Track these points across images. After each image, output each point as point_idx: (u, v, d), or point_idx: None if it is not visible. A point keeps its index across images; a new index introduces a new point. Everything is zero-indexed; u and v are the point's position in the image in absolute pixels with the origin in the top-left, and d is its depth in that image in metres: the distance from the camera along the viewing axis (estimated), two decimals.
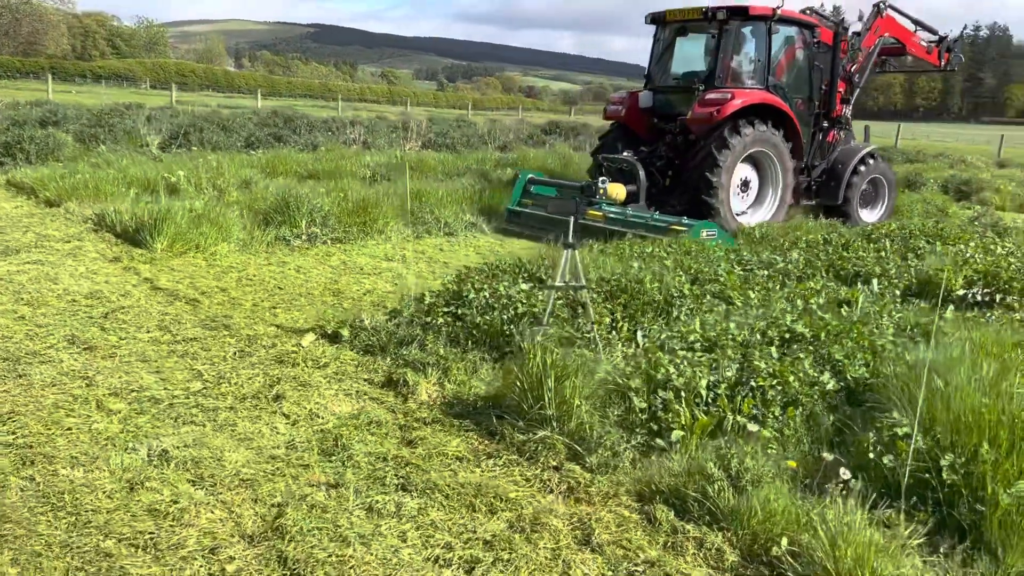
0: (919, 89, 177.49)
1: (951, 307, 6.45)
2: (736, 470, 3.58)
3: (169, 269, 7.70)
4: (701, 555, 3.31)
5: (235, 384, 4.92)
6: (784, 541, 3.22)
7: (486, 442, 4.28)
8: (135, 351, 5.39)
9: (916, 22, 13.18)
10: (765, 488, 3.48)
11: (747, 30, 11.22)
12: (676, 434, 3.98)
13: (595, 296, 5.79)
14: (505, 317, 5.49)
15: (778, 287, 6.66)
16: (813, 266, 7.40)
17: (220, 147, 15.63)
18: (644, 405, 4.19)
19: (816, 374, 4.46)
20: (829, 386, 4.41)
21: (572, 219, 5.08)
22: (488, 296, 5.80)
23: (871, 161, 12.39)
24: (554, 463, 4.02)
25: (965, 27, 13.73)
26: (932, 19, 12.03)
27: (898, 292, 6.97)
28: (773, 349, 4.76)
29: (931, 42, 13.22)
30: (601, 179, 9.89)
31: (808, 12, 12.26)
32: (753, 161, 10.98)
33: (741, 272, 7.00)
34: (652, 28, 12.03)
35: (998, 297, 6.78)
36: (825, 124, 12.03)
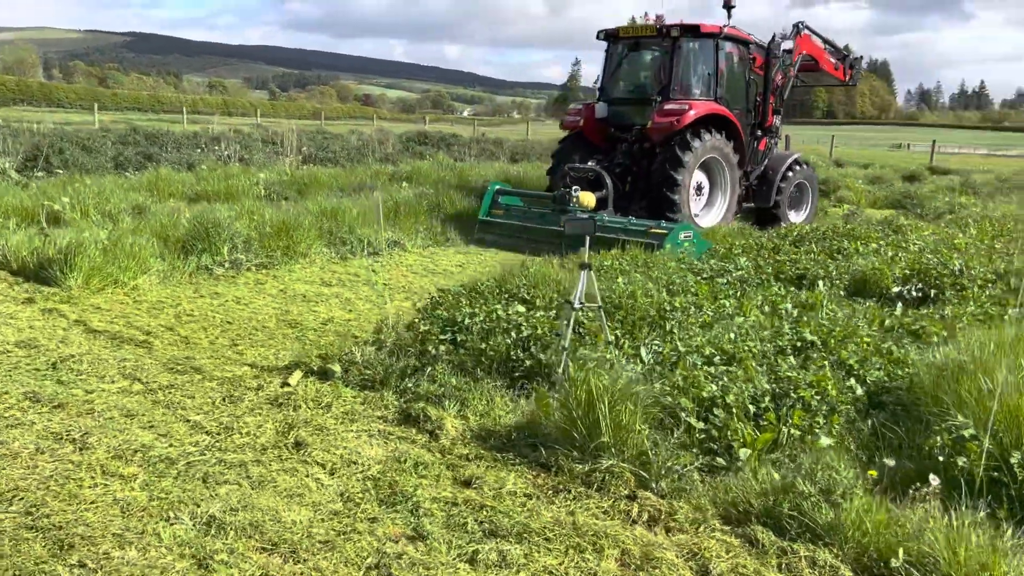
0: None
1: (899, 304, 6.86)
2: (826, 484, 3.63)
3: (95, 309, 7.03)
4: (816, 574, 3.33)
5: (246, 434, 4.54)
6: (901, 552, 3.29)
7: (543, 475, 4.15)
8: (112, 404, 4.86)
9: (826, 41, 14.25)
10: (855, 500, 3.55)
11: (697, 46, 12.00)
12: (743, 452, 4.00)
13: (591, 314, 5.75)
14: (509, 341, 5.36)
15: (738, 294, 6.85)
16: (763, 271, 7.67)
17: (87, 169, 14.45)
18: (700, 425, 4.19)
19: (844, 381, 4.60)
20: (858, 392, 4.56)
21: (588, 238, 5.01)
22: (483, 320, 5.64)
23: (797, 167, 13.38)
24: (625, 492, 3.94)
25: (861, 58, 14.84)
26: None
27: (842, 292, 7.35)
28: (792, 358, 4.88)
29: (837, 59, 14.36)
30: (574, 188, 10.48)
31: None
32: (705, 167, 11.70)
33: (701, 281, 7.16)
34: (590, 43, 12.77)
35: (932, 292, 7.26)
36: (759, 133, 12.94)
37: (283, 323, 6.86)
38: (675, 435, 4.18)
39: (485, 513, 3.72)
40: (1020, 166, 32.57)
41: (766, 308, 6.35)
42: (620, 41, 12.45)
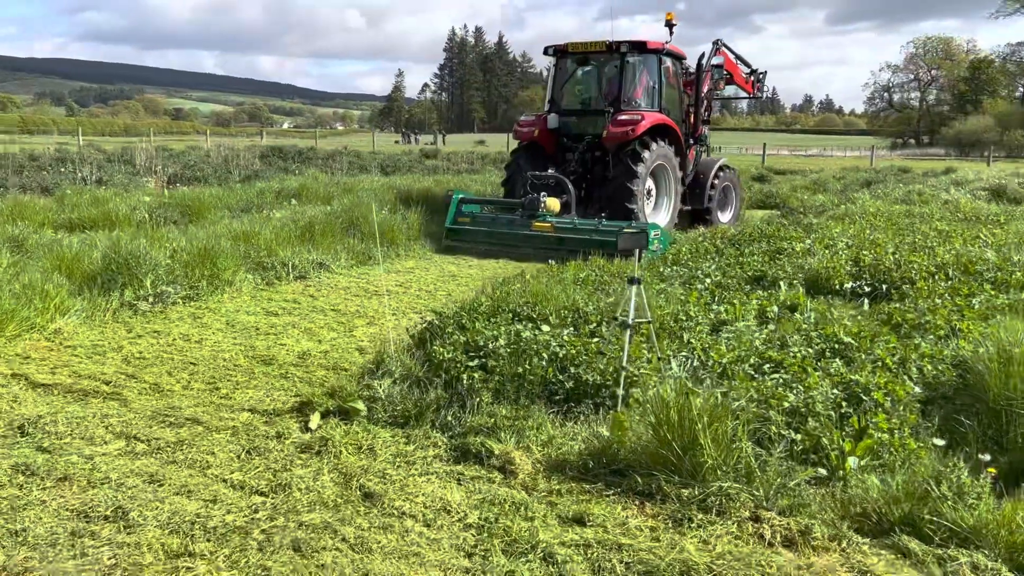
0: None
1: (866, 300, 7.15)
2: (956, 486, 3.64)
3: (23, 359, 6.14)
4: None
5: (305, 490, 4.04)
6: None
7: (649, 504, 3.93)
8: (125, 470, 4.21)
9: (738, 57, 15.23)
10: (983, 500, 3.59)
11: (643, 61, 12.98)
12: (851, 460, 3.97)
13: (616, 329, 5.59)
14: (543, 363, 5.10)
15: (723, 299, 6.91)
16: (729, 275, 7.78)
17: None
18: (797, 436, 4.12)
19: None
20: (915, 390, 4.66)
21: (638, 252, 4.84)
22: (507, 342, 5.35)
23: (723, 172, 14.62)
24: (747, 514, 3.80)
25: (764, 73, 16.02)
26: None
27: (803, 290, 7.58)
28: (838, 361, 4.93)
29: (747, 74, 15.42)
30: (542, 194, 11.30)
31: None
32: (653, 174, 12.57)
33: (681, 286, 7.16)
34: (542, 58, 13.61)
35: (883, 287, 7.62)
36: (691, 141, 13.98)
37: (255, 360, 6.24)
38: (777, 449, 4.08)
39: (627, 553, 3.47)
40: (842, 165, 35.38)
41: (752, 312, 6.41)
42: (568, 56, 13.17)
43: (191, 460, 4.38)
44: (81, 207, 12.14)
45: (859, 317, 6.26)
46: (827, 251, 8.75)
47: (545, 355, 5.17)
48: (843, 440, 4.08)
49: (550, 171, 12.20)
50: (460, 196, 12.43)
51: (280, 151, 25.33)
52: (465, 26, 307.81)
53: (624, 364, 4.71)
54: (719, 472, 3.98)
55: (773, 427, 4.19)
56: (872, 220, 11.83)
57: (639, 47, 12.60)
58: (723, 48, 14.61)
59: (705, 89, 14.03)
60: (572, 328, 5.66)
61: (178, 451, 4.50)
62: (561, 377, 5.01)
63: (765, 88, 16.09)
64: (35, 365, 6.01)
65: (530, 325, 5.66)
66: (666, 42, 13.11)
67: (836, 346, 5.23)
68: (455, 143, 66.33)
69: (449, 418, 4.84)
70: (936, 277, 7.55)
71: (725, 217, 14.89)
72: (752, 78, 15.52)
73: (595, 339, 5.34)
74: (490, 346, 5.30)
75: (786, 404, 4.30)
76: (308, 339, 6.83)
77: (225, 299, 8.26)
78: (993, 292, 6.84)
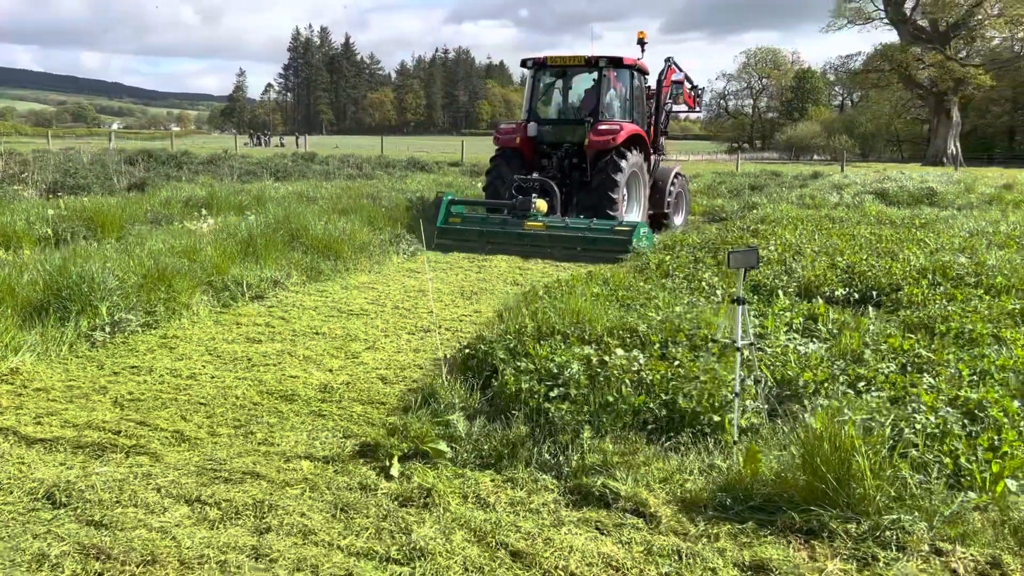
0: (408, 106, 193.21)
1: (871, 308, 7.25)
2: None
3: None
4: None
5: (446, 554, 3.54)
6: None
7: (818, 543, 3.69)
8: (219, 546, 3.57)
9: (685, 75, 16.06)
10: None
11: (618, 76, 13.85)
12: (1010, 483, 3.88)
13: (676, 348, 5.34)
14: (628, 391, 4.79)
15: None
16: (730, 284, 7.70)
17: None
18: (949, 460, 4.01)
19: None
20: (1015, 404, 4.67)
21: (744, 270, 4.58)
22: (585, 369, 4.99)
23: (676, 179, 15.34)
24: (925, 547, 3.63)
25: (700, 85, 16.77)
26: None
27: (798, 298, 7.61)
28: (927, 377, 4.89)
29: (689, 89, 16.19)
30: (533, 196, 12.20)
31: None
32: (626, 180, 13.22)
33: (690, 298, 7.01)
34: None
35: (872, 294, 7.77)
36: (651, 150, 14.65)
37: (272, 397, 5.57)
38: (933, 474, 3.95)
39: None
40: (712, 168, 36.79)
41: (783, 325, 6.34)
42: (547, 68, 13.94)
43: (285, 526, 3.77)
44: None
45: (886, 326, 6.28)
46: (801, 258, 8.86)
47: (628, 381, 4.85)
48: (988, 461, 3.99)
49: (535, 175, 13.01)
50: (450, 197, 13.11)
51: (150, 155, 23.50)
52: (310, 25, 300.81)
53: (738, 390, 4.46)
54: (879, 503, 3.79)
55: (914, 451, 4.06)
56: (803, 225, 12.19)
57: (616, 62, 13.49)
58: (673, 66, 15.49)
59: (665, 103, 15.18)
60: (638, 350, 5.35)
61: (261, 515, 3.87)
62: (653, 405, 4.70)
63: (702, 101, 16.92)
64: (13, 415, 5.11)
65: (595, 348, 5.31)
66: (638, 58, 14.11)
67: (915, 360, 5.19)
68: (310, 146, 64.10)
69: (546, 456, 4.44)
70: (920, 283, 7.75)
71: (679, 219, 15.66)
72: (693, 93, 16.24)
73: (676, 362, 5.07)
74: (566, 373, 4.92)
75: (917, 425, 4.18)
76: (316, 369, 6.19)
77: (187, 324, 7.41)
78: (987, 297, 7.07)
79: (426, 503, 4.02)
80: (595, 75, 13.65)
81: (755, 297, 7.47)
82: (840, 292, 7.78)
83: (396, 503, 4.04)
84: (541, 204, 12.34)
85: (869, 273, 8.00)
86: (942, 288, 7.49)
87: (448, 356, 5.97)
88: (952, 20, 61.28)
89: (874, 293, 7.74)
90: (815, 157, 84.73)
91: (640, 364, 5.00)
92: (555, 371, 4.97)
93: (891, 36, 65.61)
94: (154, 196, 13.77)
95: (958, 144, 62.62)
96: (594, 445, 4.42)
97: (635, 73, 13.97)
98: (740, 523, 3.86)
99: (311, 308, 8.19)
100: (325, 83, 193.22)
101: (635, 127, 13.52)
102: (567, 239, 11.72)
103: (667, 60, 15.45)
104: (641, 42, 14.40)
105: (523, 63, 14.13)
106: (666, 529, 3.82)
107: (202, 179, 17.76)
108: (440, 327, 7.49)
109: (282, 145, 74.60)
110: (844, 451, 3.84)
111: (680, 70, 15.72)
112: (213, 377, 5.95)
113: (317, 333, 7.25)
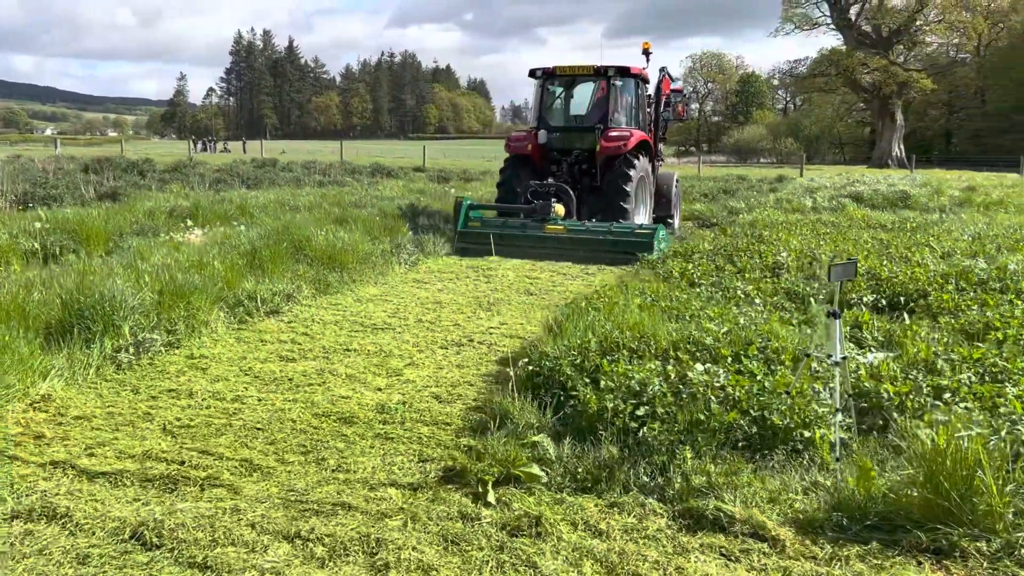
0: (354, 110, 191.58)
1: (905, 315, 7.27)
2: None
3: (36, 439, 4.92)
4: None
5: None
6: None
7: (951, 565, 3.60)
8: None
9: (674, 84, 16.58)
10: None
11: (624, 84, 14.32)
12: None
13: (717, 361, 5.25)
14: (716, 408, 4.68)
15: (775, 316, 6.75)
16: (764, 292, 7.67)
17: None
18: None
19: None
20: None
21: (840, 284, 4.51)
22: (668, 386, 4.87)
23: (676, 184, 16.06)
24: None
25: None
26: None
27: (829, 305, 7.61)
28: (1010, 387, 4.88)
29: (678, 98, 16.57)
30: (552, 200, 12.72)
31: None
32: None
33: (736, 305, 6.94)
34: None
35: (900, 300, 7.80)
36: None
37: (329, 419, 5.34)
38: None
39: None
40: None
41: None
42: (556, 78, 14.43)
43: (403, 561, 3.58)
44: None
45: (942, 335, 6.28)
46: (820, 265, 8.88)
47: (714, 398, 4.75)
48: None
49: (549, 180, 13.49)
50: (468, 203, 13.37)
51: (109, 162, 22.74)
52: (252, 29, 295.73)
53: (839, 406, 4.38)
54: (1007, 519, 3.74)
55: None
56: (799, 230, 12.27)
57: (623, 71, 13.97)
58: (667, 76, 16.03)
59: (663, 111, 15.76)
60: (711, 364, 5.25)
61: (371, 551, 3.67)
62: (743, 422, 4.60)
63: (690, 110, 17.45)
64: (61, 446, 4.80)
65: (668, 364, 5.20)
66: (644, 68, 14.74)
67: (991, 369, 5.18)
68: (254, 151, 63.00)
69: (644, 478, 4.31)
70: (945, 288, 7.81)
71: (676, 223, 16.35)
72: (682, 102, 16.49)
73: (757, 377, 4.98)
74: (649, 391, 4.79)
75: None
76: (364, 388, 5.96)
77: (208, 343, 7.11)
78: (1020, 302, 7.14)
79: (538, 532, 3.86)
80: (603, 84, 14.21)
81: (791, 305, 7.45)
82: (869, 298, 7.79)
83: (505, 533, 3.87)
84: (559, 208, 12.86)
85: (894, 279, 8.03)
86: (971, 294, 7.54)
87: (503, 373, 5.78)
88: (894, 26, 62.95)
89: (902, 299, 7.77)
90: (761, 160, 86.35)
91: (723, 379, 4.89)
92: (637, 389, 4.84)
93: (837, 42, 67.11)
94: (135, 206, 13.25)
95: (902, 146, 64.32)
96: (697, 466, 4.30)
97: (639, 82, 14.56)
98: (862, 544, 3.78)
99: (332, 323, 7.92)
100: (269, 87, 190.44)
101: (643, 134, 14.13)
102: (590, 241, 12.09)
103: (662, 70, 15.92)
104: (646, 52, 15.07)
105: (531, 73, 14.53)
106: (794, 553, 3.71)
107: (174, 188, 17.22)
108: (472, 340, 7.32)
109: (226, 150, 73.30)
110: (967, 466, 3.78)
111: (673, 80, 16.16)
112: (260, 399, 5.68)
113: (348, 349, 7.01)
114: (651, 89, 15.39)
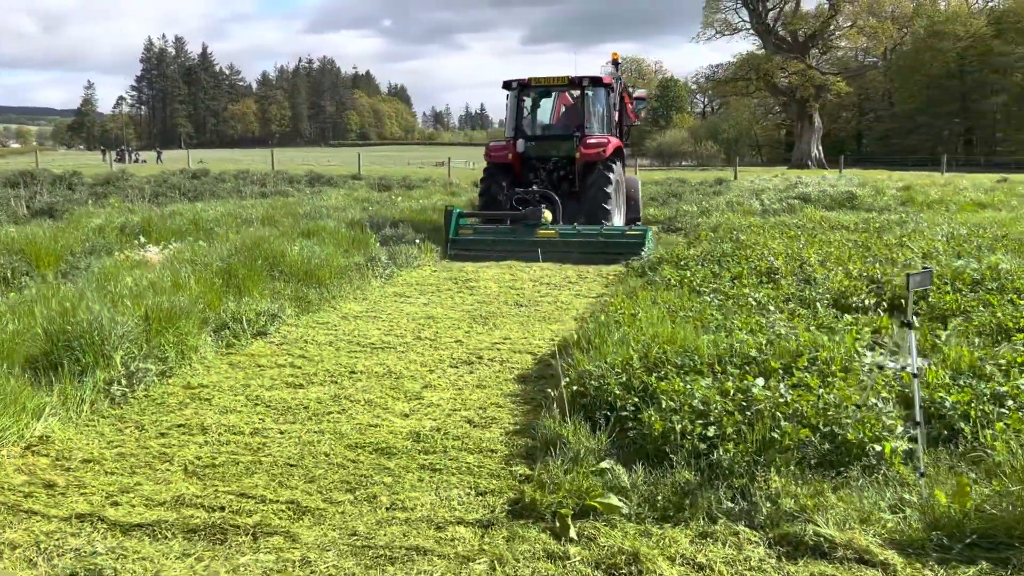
0: (272, 117, 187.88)
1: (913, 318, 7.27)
2: None
3: (47, 487, 4.46)
4: None
5: None
6: None
7: None
8: None
9: (631, 91, 17.37)
10: None
11: (596, 94, 14.89)
12: None
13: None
14: (785, 426, 4.52)
15: (786, 320, 6.66)
16: (775, 299, 7.58)
17: None
18: None
19: None
20: None
21: (910, 294, 4.39)
22: (733, 404, 4.69)
23: (639, 187, 16.78)
24: None
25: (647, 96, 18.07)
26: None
27: (834, 309, 7.58)
28: None
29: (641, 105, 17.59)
30: (542, 206, 13.32)
31: None
32: None
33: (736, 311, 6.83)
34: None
35: (901, 302, 7.83)
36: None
37: (364, 451, 4.99)
38: None
39: None
40: None
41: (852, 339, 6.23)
42: (531, 89, 14.87)
43: None
44: None
45: (963, 339, 6.27)
46: (810, 268, 8.88)
47: (780, 414, 4.58)
48: None
49: (534, 187, 14.11)
50: (458, 211, 13.70)
51: (32, 175, 21.52)
52: (164, 36, 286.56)
53: (919, 419, 4.26)
54: None
55: None
56: (769, 232, 12.34)
57: (596, 82, 14.63)
58: (623, 85, 16.87)
59: (627, 117, 16.71)
60: (763, 378, 5.09)
61: None
62: (814, 438, 4.45)
63: (643, 115, 18.17)
64: (78, 495, 4.34)
65: (731, 380, 5.01)
66: (616, 78, 15.73)
67: None
68: (177, 160, 60.95)
69: (727, 503, 4.11)
70: (943, 289, 7.86)
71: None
72: (644, 108, 17.08)
73: (820, 391, 4.83)
74: (715, 410, 4.60)
75: None
76: (389, 414, 5.62)
77: (201, 370, 6.65)
78: (1020, 301, 7.22)
79: (639, 570, 3.61)
80: (578, 93, 14.79)
81: (807, 312, 7.38)
82: (870, 301, 7.79)
83: (602, 571, 3.61)
84: (547, 213, 13.40)
85: (891, 282, 8.05)
86: (970, 295, 7.61)
87: (529, 393, 5.51)
88: (810, 31, 64.94)
89: (902, 301, 7.79)
90: (683, 163, 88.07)
91: (785, 394, 4.73)
92: (701, 408, 4.64)
93: (753, 47, 68.86)
94: (80, 223, 12.46)
95: (820, 147, 66.35)
96: (784, 488, 4.12)
97: (609, 91, 15.23)
98: (970, 564, 3.65)
99: (326, 344, 7.52)
100: (183, 95, 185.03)
101: (618, 140, 14.84)
102: (583, 244, 12.57)
103: (618, 79, 16.43)
104: (615, 63, 16.29)
105: (506, 84, 14.87)
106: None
107: (114, 202, 16.35)
108: (481, 358, 7.03)
109: (138, 160, 70.94)
110: None
111: (626, 87, 17.01)
112: (282, 432, 5.29)
113: (354, 372, 6.63)
114: (616, 97, 15.87)
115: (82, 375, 5.79)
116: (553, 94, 15.54)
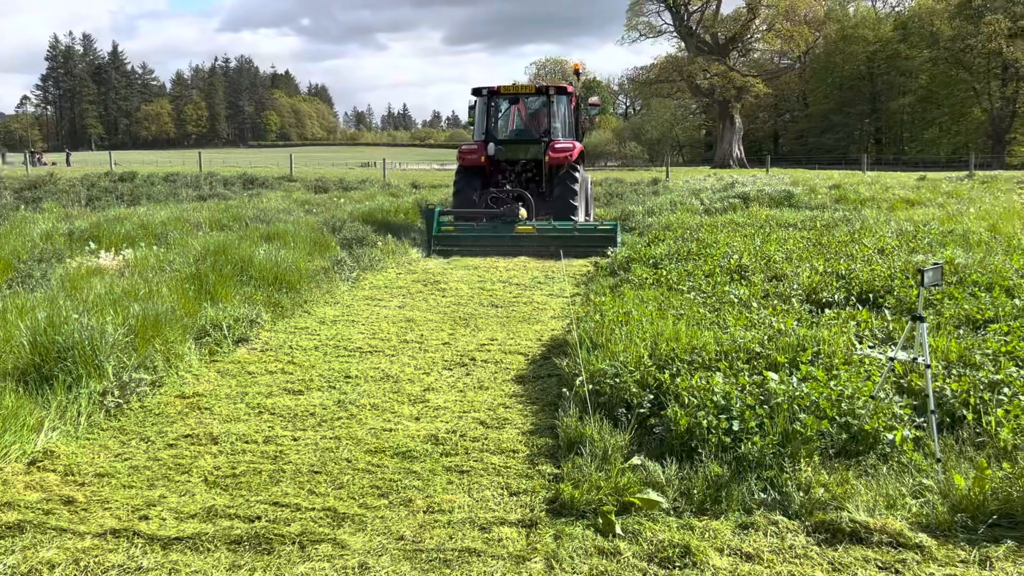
0: (188, 118, 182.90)
1: (886, 311, 7.60)
2: None
3: (68, 504, 4.32)
4: None
5: None
6: None
7: None
8: None
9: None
10: None
11: (559, 101, 15.87)
12: None
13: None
14: (804, 417, 4.69)
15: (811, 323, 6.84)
16: (755, 295, 7.80)
17: None
18: None
19: None
20: None
21: (921, 290, 4.60)
22: (751, 398, 4.83)
23: (591, 185, 17.63)
24: None
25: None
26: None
27: (808, 304, 7.85)
28: None
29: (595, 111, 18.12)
30: (519, 204, 14.28)
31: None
32: None
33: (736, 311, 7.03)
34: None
35: (869, 296, 8.15)
36: None
37: (384, 455, 4.97)
38: None
39: None
40: None
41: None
42: (500, 96, 15.82)
43: None
44: None
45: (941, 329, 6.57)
46: (776, 265, 9.16)
47: (797, 406, 4.75)
48: None
49: (507, 187, 15.13)
50: (439, 209, 14.34)
51: None
52: (71, 33, 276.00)
53: (932, 408, 4.47)
54: None
55: None
56: (723, 231, 12.65)
57: (561, 90, 15.82)
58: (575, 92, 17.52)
59: (583, 121, 17.60)
60: (773, 371, 5.26)
61: None
62: (832, 430, 4.63)
63: (594, 118, 18.82)
64: (103, 511, 4.22)
65: (743, 375, 5.16)
66: (578, 86, 16.62)
67: None
68: (87, 162, 58.81)
69: (760, 495, 4.24)
70: (905, 284, 8.21)
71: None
72: (598, 114, 18.50)
73: (831, 383, 5.02)
74: (736, 404, 4.74)
75: None
76: (399, 418, 5.60)
77: (190, 379, 6.51)
78: (983, 294, 7.60)
79: (693, 562, 3.70)
80: (544, 100, 15.81)
81: (787, 308, 7.61)
82: (840, 296, 8.08)
83: (656, 565, 3.70)
84: (523, 211, 14.30)
85: (858, 276, 8.37)
86: (934, 288, 7.96)
87: (533, 392, 5.57)
88: (730, 34, 66.63)
89: (870, 296, 8.10)
90: (608, 164, 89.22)
91: (799, 387, 4.90)
92: (723, 403, 4.77)
93: (673, 49, 70.31)
94: (24, 229, 11.93)
95: (742, 147, 68.13)
96: (812, 478, 4.27)
97: (570, 98, 16.25)
98: (996, 543, 3.86)
99: (311, 349, 7.42)
100: (92, 95, 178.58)
101: (581, 144, 15.95)
102: (560, 239, 13.45)
103: (572, 86, 17.18)
104: (577, 72, 17.84)
105: (475, 91, 15.78)
106: (944, 559, 3.74)
107: (49, 207, 15.70)
108: (474, 360, 7.05)
109: (42, 163, 68.11)
110: None
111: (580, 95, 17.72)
112: (295, 439, 5.21)
113: (349, 377, 6.58)
114: (574, 104, 16.76)
115: (75, 387, 5.59)
116: (520, 100, 16.52)
